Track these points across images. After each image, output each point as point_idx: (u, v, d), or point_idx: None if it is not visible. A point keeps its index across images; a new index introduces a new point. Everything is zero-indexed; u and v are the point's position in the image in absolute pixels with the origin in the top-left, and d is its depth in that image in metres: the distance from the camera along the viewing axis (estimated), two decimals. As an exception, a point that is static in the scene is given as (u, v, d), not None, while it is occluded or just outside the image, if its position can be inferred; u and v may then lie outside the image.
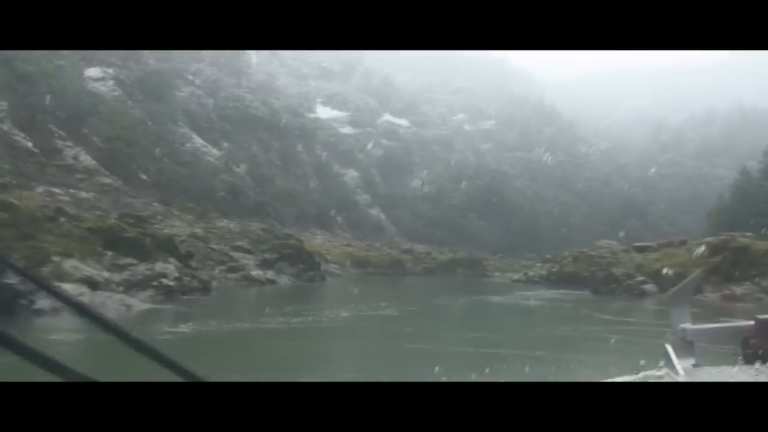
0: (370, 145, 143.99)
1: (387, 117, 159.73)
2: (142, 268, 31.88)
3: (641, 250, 62.56)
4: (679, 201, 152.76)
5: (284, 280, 48.65)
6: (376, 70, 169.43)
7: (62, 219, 35.71)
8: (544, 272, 69.48)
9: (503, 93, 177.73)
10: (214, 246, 48.56)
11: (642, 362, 5.25)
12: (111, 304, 25.60)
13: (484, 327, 28.30)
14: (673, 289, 5.03)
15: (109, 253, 32.33)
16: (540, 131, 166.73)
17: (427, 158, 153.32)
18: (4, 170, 59.12)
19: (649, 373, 4.92)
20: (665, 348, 4.49)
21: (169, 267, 33.30)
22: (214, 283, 39.70)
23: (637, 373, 5.00)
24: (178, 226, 58.74)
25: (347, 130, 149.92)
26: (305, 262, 54.31)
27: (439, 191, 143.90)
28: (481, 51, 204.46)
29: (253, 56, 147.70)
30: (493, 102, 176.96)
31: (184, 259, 38.15)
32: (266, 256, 51.26)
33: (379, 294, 43.96)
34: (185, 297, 32.08)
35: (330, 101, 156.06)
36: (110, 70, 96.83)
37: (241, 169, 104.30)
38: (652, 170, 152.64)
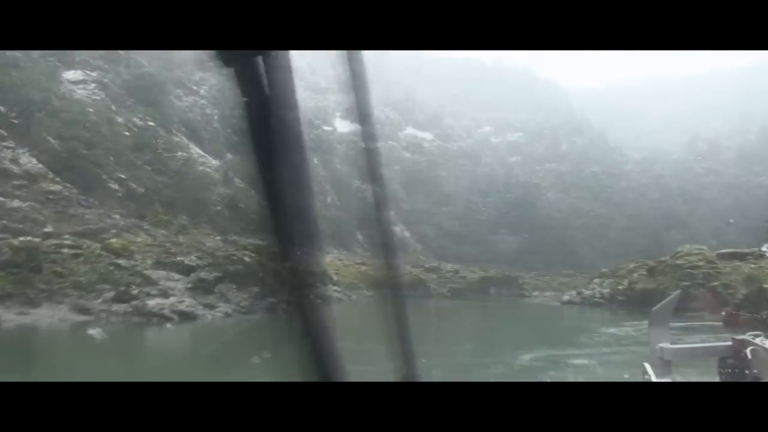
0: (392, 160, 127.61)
1: (410, 130, 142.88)
2: None
3: (737, 257, 43.53)
4: (721, 211, 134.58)
5: (218, 313, 29.89)
6: (397, 83, 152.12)
7: None
8: (605, 290, 50.00)
9: (530, 104, 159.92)
10: (122, 262, 30.42)
11: None
12: None
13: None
14: (654, 308, 4.39)
15: None
16: (570, 142, 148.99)
17: (453, 172, 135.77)
18: None
19: None
20: (644, 366, 4.11)
21: None
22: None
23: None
24: (121, 242, 40.73)
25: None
26: (263, 284, 35.13)
27: (467, 206, 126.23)
28: (506, 62, 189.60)
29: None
30: (520, 113, 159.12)
31: None
32: (202, 275, 32.80)
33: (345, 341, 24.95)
34: None
35: (349, 114, 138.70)
36: (94, 74, 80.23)
37: (244, 182, 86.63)
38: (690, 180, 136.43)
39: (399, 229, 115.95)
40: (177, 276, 31.81)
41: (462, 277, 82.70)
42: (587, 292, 51.87)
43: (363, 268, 72.66)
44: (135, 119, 77.05)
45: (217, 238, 42.22)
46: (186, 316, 27.90)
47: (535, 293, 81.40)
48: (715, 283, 37.02)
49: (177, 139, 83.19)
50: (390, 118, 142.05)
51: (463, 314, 46.84)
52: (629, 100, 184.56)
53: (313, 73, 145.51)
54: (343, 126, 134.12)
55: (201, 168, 78.98)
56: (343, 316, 42.66)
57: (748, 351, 4.10)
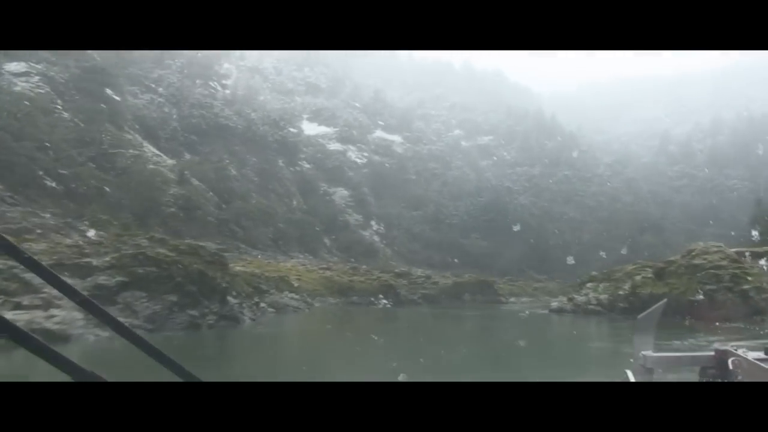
0: (360, 162, 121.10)
1: (379, 133, 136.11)
2: None
3: (757, 256, 37.02)
4: (694, 214, 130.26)
5: (108, 332, 22.41)
6: (365, 86, 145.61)
7: None
8: (603, 296, 43.07)
9: (500, 107, 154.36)
10: (-3, 266, 23.02)
11: None
12: None
13: None
14: (640, 316, 3.50)
15: None
16: (541, 145, 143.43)
17: (423, 175, 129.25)
18: None
19: None
20: (625, 374, 3.27)
21: None
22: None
23: None
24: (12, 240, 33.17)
25: (336, 146, 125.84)
26: (183, 292, 27.19)
27: (438, 210, 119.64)
28: (476, 65, 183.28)
29: (233, 70, 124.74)
30: (490, 117, 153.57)
31: None
32: (101, 280, 25.40)
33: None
34: None
35: (316, 116, 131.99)
36: (39, 66, 72.49)
37: (203, 183, 79.11)
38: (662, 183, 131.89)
39: (368, 234, 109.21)
40: (68, 281, 24.31)
41: (434, 282, 75.87)
42: (580, 299, 44.73)
43: (328, 273, 65.49)
44: (81, 115, 69.42)
45: (145, 237, 34.64)
46: (53, 337, 19.31)
47: (512, 299, 74.94)
48: (746, 287, 30.64)
49: (129, 136, 75.66)
50: (359, 120, 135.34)
51: (442, 329, 39.65)
52: (598, 103, 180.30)
53: (278, 74, 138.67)
54: (310, 128, 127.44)
55: (153, 167, 71.37)
56: (288, 330, 35.41)
57: (730, 361, 3.25)
